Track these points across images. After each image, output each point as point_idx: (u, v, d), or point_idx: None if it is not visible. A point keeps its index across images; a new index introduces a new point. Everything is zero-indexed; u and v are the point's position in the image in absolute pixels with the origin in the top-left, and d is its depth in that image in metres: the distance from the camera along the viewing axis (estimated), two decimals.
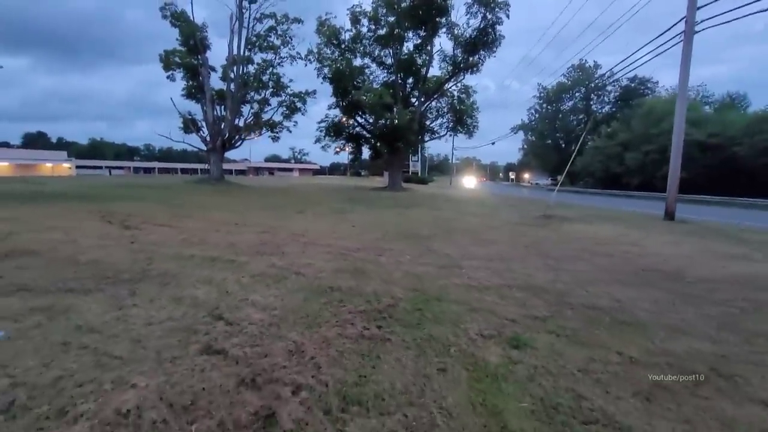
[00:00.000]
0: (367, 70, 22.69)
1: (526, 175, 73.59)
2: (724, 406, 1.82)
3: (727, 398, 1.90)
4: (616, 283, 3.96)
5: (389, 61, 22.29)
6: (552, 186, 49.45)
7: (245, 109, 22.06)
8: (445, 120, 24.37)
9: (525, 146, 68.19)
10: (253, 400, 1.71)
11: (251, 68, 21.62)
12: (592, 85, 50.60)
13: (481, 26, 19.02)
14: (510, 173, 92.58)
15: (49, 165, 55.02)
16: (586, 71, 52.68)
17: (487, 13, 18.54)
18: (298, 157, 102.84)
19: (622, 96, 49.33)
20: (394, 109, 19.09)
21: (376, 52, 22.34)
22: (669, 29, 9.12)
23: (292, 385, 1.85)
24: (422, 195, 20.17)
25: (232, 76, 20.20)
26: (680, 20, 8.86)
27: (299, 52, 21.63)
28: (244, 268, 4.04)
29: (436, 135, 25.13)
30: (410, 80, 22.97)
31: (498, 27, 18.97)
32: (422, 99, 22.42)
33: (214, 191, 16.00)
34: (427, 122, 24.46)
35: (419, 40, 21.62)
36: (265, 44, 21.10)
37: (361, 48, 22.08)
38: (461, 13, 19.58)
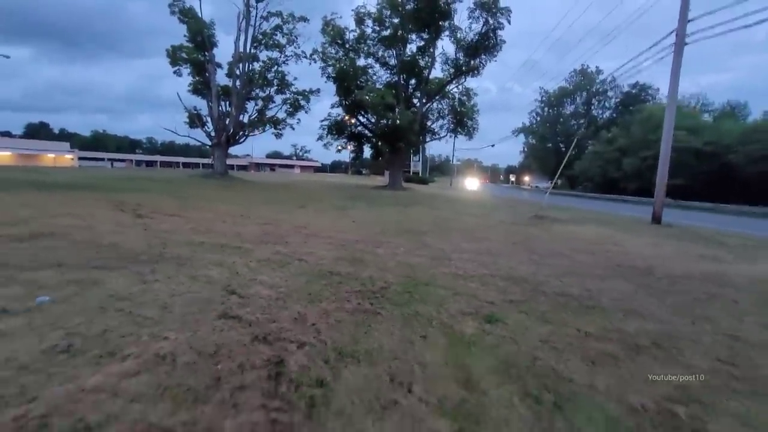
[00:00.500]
0: (370, 71, 23.07)
1: (527, 178, 74.00)
2: (654, 369, 2.20)
3: (659, 364, 2.28)
4: (590, 276, 4.34)
5: (392, 61, 22.65)
6: (552, 189, 49.83)
7: (250, 106, 22.46)
8: (445, 121, 24.78)
9: (526, 149, 68.61)
10: (265, 351, 2.09)
11: (257, 66, 22.01)
12: (593, 90, 50.99)
13: (483, 31, 19.41)
14: (511, 176, 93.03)
15: (51, 156, 55.42)
16: (588, 76, 53.09)
17: (489, 18, 18.92)
18: (300, 154, 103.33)
19: (622, 102, 49.76)
20: (396, 110, 19.47)
21: (380, 53, 22.70)
22: (660, 41, 9.49)
23: (297, 342, 2.22)
24: (422, 195, 20.56)
25: (237, 72, 20.57)
26: (670, 33, 9.23)
27: (304, 51, 22.05)
28: (251, 254, 4.41)
29: (437, 136, 25.56)
30: (412, 81, 23.33)
31: (499, 32, 19.38)
32: (424, 100, 22.80)
33: (219, 185, 16.37)
34: (428, 123, 24.86)
35: (422, 42, 21.99)
36: (271, 42, 21.47)
37: (365, 48, 22.44)
38: (464, 17, 19.83)
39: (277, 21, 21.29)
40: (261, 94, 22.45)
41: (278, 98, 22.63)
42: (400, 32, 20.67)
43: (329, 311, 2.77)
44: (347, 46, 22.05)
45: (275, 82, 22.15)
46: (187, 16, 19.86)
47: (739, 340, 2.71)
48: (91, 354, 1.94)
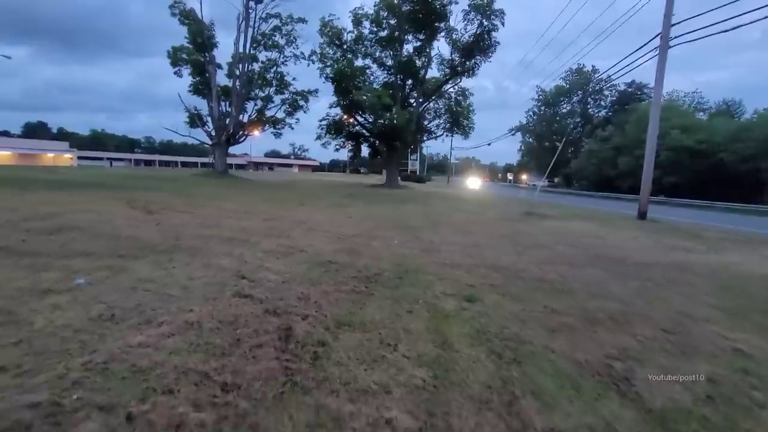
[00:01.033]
0: (367, 71, 23.46)
1: (524, 176, 74.45)
2: (603, 336, 2.61)
3: (610, 332, 2.69)
4: (566, 264, 4.75)
5: (389, 62, 23.05)
6: (549, 187, 50.24)
7: (249, 106, 22.83)
8: (442, 121, 25.22)
9: (523, 147, 69.06)
10: (275, 321, 2.49)
11: (256, 66, 22.36)
12: (589, 89, 51.42)
13: (478, 32, 19.81)
14: (508, 174, 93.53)
15: (50, 155, 55.49)
16: (584, 75, 53.51)
17: (483, 20, 19.33)
18: (298, 153, 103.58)
19: (618, 100, 50.18)
20: (393, 110, 19.85)
21: (377, 54, 23.10)
22: (647, 44, 9.91)
23: (301, 315, 2.62)
24: (418, 193, 20.97)
25: (237, 73, 20.91)
26: (654, 37, 9.65)
27: (303, 51, 22.41)
28: (257, 246, 4.80)
29: (433, 135, 26.00)
30: (409, 82, 23.73)
31: (493, 34, 19.80)
32: (420, 100, 23.20)
33: (221, 184, 16.75)
34: (425, 123, 25.27)
35: (419, 43, 22.39)
36: (270, 43, 21.84)
37: (363, 49, 22.81)
38: (459, 19, 20.20)
39: (275, 22, 21.67)
40: (260, 94, 22.83)
41: (277, 98, 23.03)
42: (396, 33, 21.07)
43: (329, 292, 3.17)
44: (345, 46, 22.42)
45: (274, 82, 22.53)
46: (188, 18, 20.19)
47: (685, 315, 3.12)
48: (132, 321, 2.34)
